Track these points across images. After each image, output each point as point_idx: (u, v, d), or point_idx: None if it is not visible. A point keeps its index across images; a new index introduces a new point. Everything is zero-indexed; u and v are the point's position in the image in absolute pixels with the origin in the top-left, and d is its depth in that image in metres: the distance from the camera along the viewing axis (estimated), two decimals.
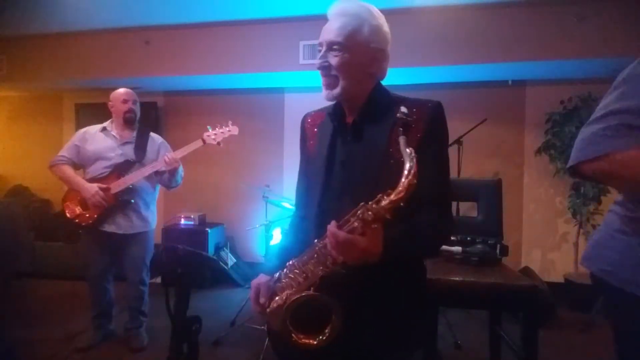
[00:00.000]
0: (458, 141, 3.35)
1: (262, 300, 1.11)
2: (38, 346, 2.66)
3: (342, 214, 0.91)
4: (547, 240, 3.92)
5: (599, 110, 1.02)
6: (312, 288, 0.96)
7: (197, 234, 4.05)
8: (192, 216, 4.19)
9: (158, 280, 3.47)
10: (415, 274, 1.12)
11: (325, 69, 1.06)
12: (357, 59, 1.05)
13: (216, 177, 4.51)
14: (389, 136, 1.03)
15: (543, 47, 3.21)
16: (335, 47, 1.04)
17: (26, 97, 5.09)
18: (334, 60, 1.04)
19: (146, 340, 2.67)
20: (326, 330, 0.93)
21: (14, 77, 4.33)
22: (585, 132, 1.03)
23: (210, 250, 4.02)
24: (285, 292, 1.02)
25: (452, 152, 3.35)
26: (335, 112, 1.13)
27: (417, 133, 1.01)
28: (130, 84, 4.29)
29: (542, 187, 3.92)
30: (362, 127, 1.08)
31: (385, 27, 1.09)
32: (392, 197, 0.82)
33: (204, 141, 2.57)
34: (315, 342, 0.94)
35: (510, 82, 3.87)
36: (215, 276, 4.00)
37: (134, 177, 2.47)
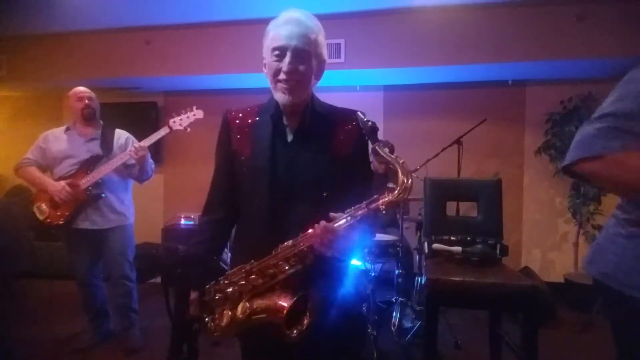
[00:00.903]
0: (458, 141, 3.34)
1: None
2: (38, 346, 2.66)
3: (293, 214, 1.06)
4: (547, 240, 3.92)
5: (597, 111, 1.04)
6: (277, 286, 1.00)
7: None
8: (192, 216, 4.18)
9: (158, 280, 3.47)
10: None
11: (292, 74, 1.07)
12: (314, 67, 1.11)
13: None
14: (332, 139, 1.12)
15: (543, 47, 3.21)
16: (302, 54, 1.06)
17: (26, 97, 5.09)
18: (302, 67, 1.07)
19: (140, 341, 2.62)
20: (305, 321, 0.98)
21: (14, 77, 4.32)
22: (581, 132, 1.05)
23: None
24: (244, 300, 1.02)
25: (452, 152, 3.36)
26: (278, 115, 1.14)
27: (352, 138, 1.13)
28: (130, 84, 4.31)
29: (542, 187, 3.92)
30: (307, 132, 1.12)
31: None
32: (391, 198, 0.94)
33: (170, 128, 2.56)
34: (296, 335, 0.97)
35: (510, 82, 3.88)
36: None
37: (103, 171, 2.45)
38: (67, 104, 2.63)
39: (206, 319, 1.09)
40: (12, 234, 4.04)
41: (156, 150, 3.88)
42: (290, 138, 1.13)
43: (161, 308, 1.63)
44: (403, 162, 0.97)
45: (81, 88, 2.63)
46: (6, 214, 4.10)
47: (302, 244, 0.98)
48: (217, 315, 1.07)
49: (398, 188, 0.94)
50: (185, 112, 2.60)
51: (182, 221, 4.20)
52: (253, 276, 1.02)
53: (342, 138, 1.13)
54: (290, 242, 0.99)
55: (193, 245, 1.22)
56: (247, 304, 1.01)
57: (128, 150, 2.50)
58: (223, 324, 1.04)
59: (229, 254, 1.26)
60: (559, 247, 3.89)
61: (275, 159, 1.11)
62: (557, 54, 3.19)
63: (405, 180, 0.94)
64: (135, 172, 2.59)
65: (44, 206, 2.46)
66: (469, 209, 3.02)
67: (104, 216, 2.53)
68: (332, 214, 0.97)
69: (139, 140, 2.62)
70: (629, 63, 1.03)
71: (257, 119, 1.17)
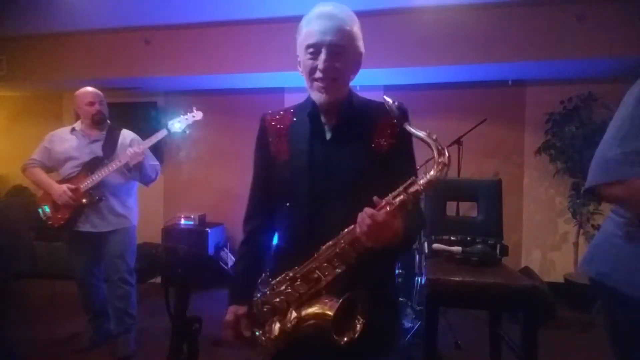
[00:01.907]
0: (458, 141, 3.34)
1: (246, 333, 1.07)
2: (38, 346, 2.66)
3: (333, 214, 1.00)
4: (547, 240, 3.92)
5: (618, 127, 1.04)
6: (323, 291, 0.96)
7: (197, 234, 4.05)
8: (192, 216, 4.19)
9: (158, 280, 3.47)
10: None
11: (328, 71, 1.03)
12: (352, 62, 1.07)
13: (216, 177, 4.51)
14: (372, 135, 1.06)
15: (543, 47, 3.20)
16: (338, 50, 1.02)
17: (26, 97, 5.09)
18: (338, 63, 1.03)
19: (133, 348, 2.58)
20: (357, 327, 0.94)
21: (14, 77, 4.32)
22: (603, 153, 1.05)
23: (210, 250, 4.02)
24: (291, 309, 0.98)
25: (452, 152, 3.34)
26: (315, 113, 1.10)
27: (393, 132, 1.06)
28: (130, 84, 4.31)
29: (542, 187, 3.92)
30: (345, 129, 1.08)
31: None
32: (429, 177, 0.89)
33: (168, 130, 2.56)
34: (353, 336, 0.93)
35: (510, 82, 3.87)
36: (215, 276, 4.00)
37: (103, 174, 2.43)
38: (73, 104, 2.58)
39: (257, 333, 1.05)
40: (12, 234, 4.04)
41: (156, 150, 3.88)
42: (328, 136, 1.09)
43: (161, 308, 1.63)
44: (436, 138, 0.93)
45: (89, 89, 2.59)
46: (6, 214, 4.10)
47: (342, 241, 0.93)
48: (267, 328, 1.03)
49: (435, 166, 0.91)
50: (185, 114, 2.58)
51: (182, 221, 4.20)
52: (298, 282, 0.98)
53: (382, 133, 1.07)
54: (331, 242, 0.95)
55: (242, 256, 1.19)
56: (295, 313, 0.97)
57: (126, 152, 2.48)
58: (273, 336, 1.00)
59: (229, 254, 1.25)
60: (559, 247, 3.88)
61: (314, 159, 1.06)
62: (557, 54, 3.19)
63: (442, 157, 0.90)
64: (136, 174, 2.56)
65: (46, 208, 2.46)
66: (469, 209, 3.02)
67: (104, 219, 2.51)
68: (370, 204, 0.92)
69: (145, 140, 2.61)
70: (629, 63, 1.03)
71: (294, 119, 1.14)
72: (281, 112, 1.18)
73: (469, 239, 2.05)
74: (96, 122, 2.55)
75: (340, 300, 0.92)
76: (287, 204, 1.09)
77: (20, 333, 2.84)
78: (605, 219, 1.17)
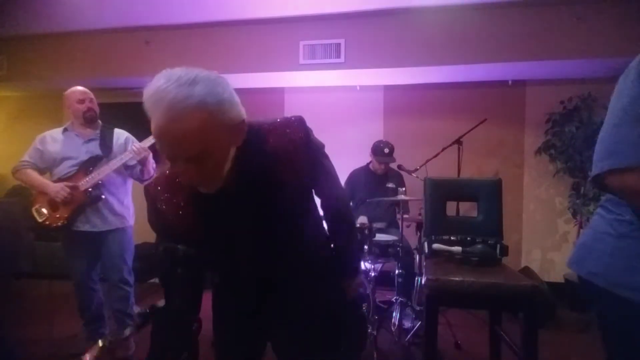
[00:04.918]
0: (458, 141, 3.35)
1: None
2: (38, 346, 2.66)
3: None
4: (547, 240, 3.92)
5: (631, 106, 0.88)
6: None
7: None
8: None
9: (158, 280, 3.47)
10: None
11: (194, 181, 0.91)
12: (222, 149, 0.90)
13: None
14: (275, 182, 1.01)
15: (543, 47, 3.21)
16: (193, 160, 0.86)
17: (26, 97, 5.09)
18: (200, 167, 0.87)
19: (133, 349, 2.58)
20: None
21: (14, 77, 4.32)
22: (616, 133, 0.91)
23: None
24: None
25: (452, 152, 3.36)
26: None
27: (294, 166, 1.00)
28: (130, 84, 4.31)
29: (542, 187, 3.92)
30: (238, 192, 1.00)
31: (229, 87, 0.89)
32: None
33: None
34: None
35: (510, 82, 3.88)
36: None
37: (103, 172, 2.41)
38: (64, 105, 2.58)
39: None
40: (12, 234, 4.04)
41: (154, 149, 3.89)
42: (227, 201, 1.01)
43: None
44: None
45: (80, 88, 2.57)
46: (6, 214, 4.10)
47: None
48: None
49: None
50: None
51: None
52: None
53: (286, 172, 0.99)
54: None
55: None
56: None
57: (128, 150, 2.47)
58: None
59: None
60: (559, 247, 3.89)
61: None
62: (557, 54, 3.19)
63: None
64: (136, 172, 2.55)
65: (43, 208, 2.42)
66: (469, 209, 3.02)
67: (103, 218, 2.48)
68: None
69: (139, 140, 2.60)
70: (629, 63, 0.99)
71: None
72: None
73: (469, 239, 2.05)
74: (88, 119, 2.51)
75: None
76: None
77: (20, 333, 2.84)
78: (594, 217, 1.10)
